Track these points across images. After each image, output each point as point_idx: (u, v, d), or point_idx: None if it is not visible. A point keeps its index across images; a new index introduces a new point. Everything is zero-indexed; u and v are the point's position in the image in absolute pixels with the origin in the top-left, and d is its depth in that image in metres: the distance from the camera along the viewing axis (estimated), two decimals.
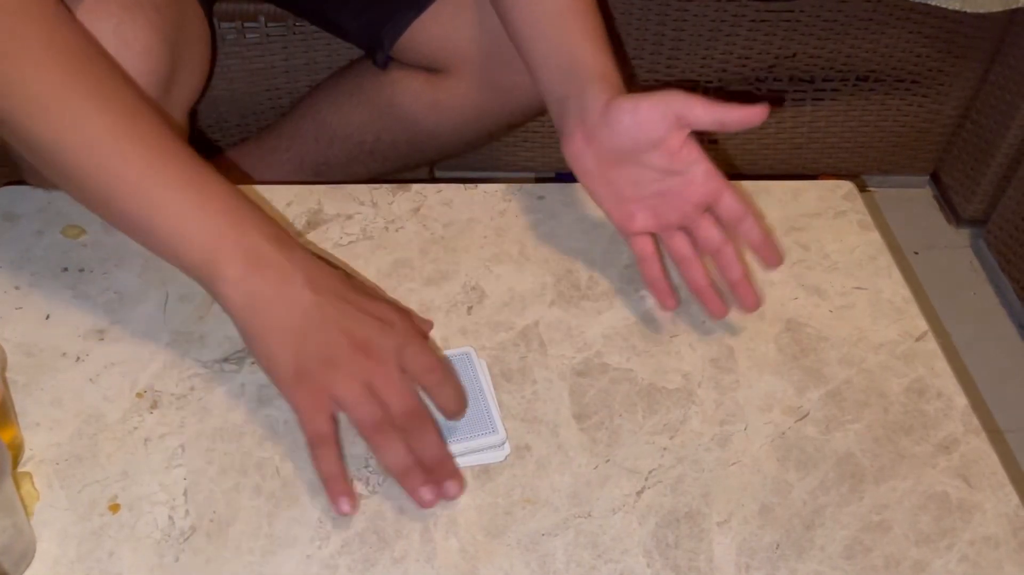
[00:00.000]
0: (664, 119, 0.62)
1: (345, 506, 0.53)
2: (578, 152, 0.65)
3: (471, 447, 0.57)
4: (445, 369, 0.57)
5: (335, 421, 0.55)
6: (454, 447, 0.56)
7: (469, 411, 0.58)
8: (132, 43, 0.65)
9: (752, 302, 0.65)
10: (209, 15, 0.81)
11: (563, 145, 0.66)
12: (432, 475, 0.54)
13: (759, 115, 0.61)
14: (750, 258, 0.72)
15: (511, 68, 0.80)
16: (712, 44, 1.22)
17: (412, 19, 0.85)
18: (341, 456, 0.55)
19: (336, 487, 0.53)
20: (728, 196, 0.64)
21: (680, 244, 0.66)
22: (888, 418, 0.62)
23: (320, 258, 0.59)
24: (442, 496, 0.54)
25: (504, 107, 0.88)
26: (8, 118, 0.55)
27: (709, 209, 0.65)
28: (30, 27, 0.55)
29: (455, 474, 0.55)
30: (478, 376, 0.60)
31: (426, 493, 0.54)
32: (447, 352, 0.62)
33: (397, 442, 0.54)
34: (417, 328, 0.58)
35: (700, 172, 0.64)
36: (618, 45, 1.20)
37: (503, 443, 0.58)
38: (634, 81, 1.26)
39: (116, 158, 0.56)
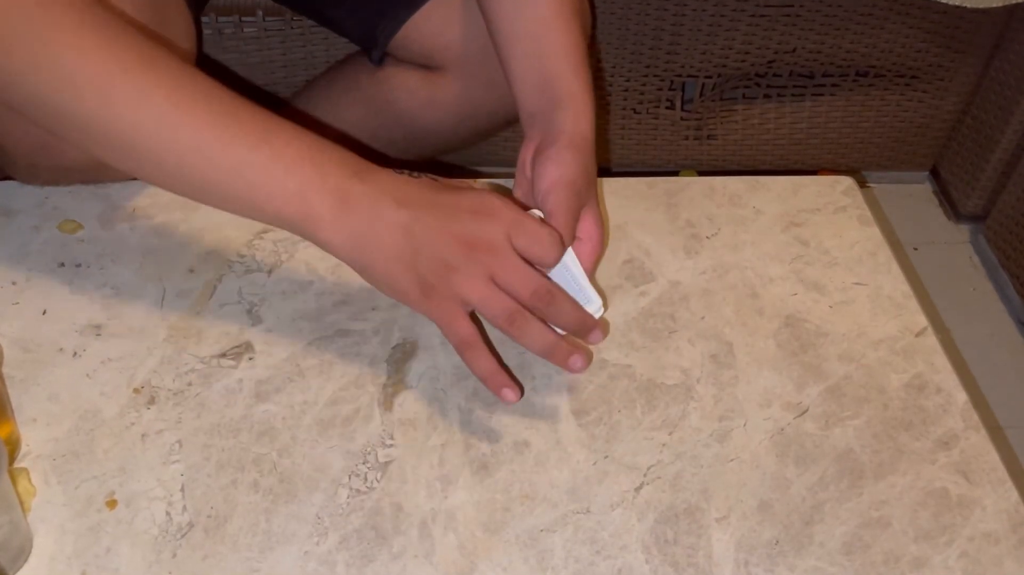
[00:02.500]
0: (539, 187, 0.62)
1: (509, 395, 0.56)
2: (527, 158, 0.66)
3: None
4: (560, 250, 0.58)
5: (475, 322, 0.57)
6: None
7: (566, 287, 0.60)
8: None
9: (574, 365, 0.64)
10: (197, 12, 0.80)
11: (522, 146, 0.67)
12: (577, 335, 0.58)
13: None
14: (751, 258, 0.72)
15: None
16: (711, 39, 1.22)
17: (407, 17, 0.85)
18: (491, 353, 0.57)
19: (496, 381, 0.56)
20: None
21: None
22: (887, 414, 0.61)
23: (402, 173, 0.59)
24: (592, 342, 0.59)
25: (500, 104, 0.88)
26: (47, 96, 0.54)
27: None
28: (62, 12, 0.54)
29: (596, 325, 0.59)
30: (568, 255, 0.61)
31: (576, 362, 0.57)
32: None
33: (534, 325, 0.56)
34: (518, 209, 0.58)
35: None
36: (619, 42, 1.20)
37: (599, 309, 0.60)
38: (631, 79, 1.25)
39: (185, 129, 0.55)
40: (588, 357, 0.59)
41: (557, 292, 0.57)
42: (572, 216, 0.61)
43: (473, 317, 0.58)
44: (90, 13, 0.55)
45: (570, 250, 0.61)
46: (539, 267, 0.59)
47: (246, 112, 0.57)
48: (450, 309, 0.57)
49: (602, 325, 0.60)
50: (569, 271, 0.60)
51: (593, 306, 0.60)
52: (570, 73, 0.67)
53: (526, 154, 0.66)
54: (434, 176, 0.61)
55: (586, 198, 0.63)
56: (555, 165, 0.62)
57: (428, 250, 0.56)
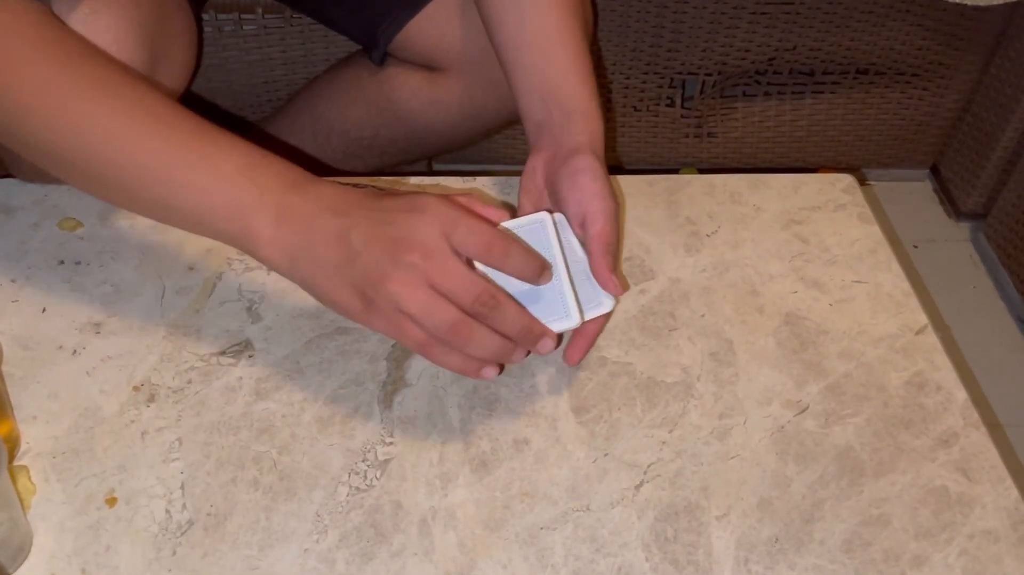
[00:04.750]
0: (579, 206, 0.61)
1: (490, 372, 0.55)
2: (535, 168, 0.65)
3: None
4: (503, 238, 0.55)
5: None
6: None
7: (544, 294, 0.57)
8: (102, 33, 0.64)
9: (570, 358, 0.62)
10: (197, 8, 0.80)
11: (530, 155, 0.66)
12: (525, 343, 0.55)
13: (615, 293, 0.60)
14: (751, 256, 0.72)
15: None
16: (712, 36, 1.22)
17: (407, 19, 0.85)
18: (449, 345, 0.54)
19: (471, 368, 0.55)
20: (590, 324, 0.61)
21: None
22: (888, 412, 0.61)
23: (345, 183, 0.58)
24: (540, 353, 0.56)
25: (502, 104, 0.87)
26: (7, 125, 0.56)
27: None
28: (16, 32, 0.55)
29: (544, 332, 0.56)
30: (551, 247, 0.58)
31: (519, 354, 0.55)
32: (518, 223, 0.60)
33: (477, 333, 0.53)
34: (456, 205, 0.55)
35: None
36: (620, 39, 1.20)
37: (578, 324, 0.58)
38: (632, 77, 1.25)
39: (128, 150, 0.56)
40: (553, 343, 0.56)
41: (501, 297, 0.54)
42: (615, 226, 0.60)
43: None
44: (47, 37, 0.56)
45: (568, 237, 0.60)
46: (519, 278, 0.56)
47: (189, 129, 0.57)
48: (393, 320, 0.53)
49: (552, 335, 0.56)
50: (556, 271, 0.58)
51: (568, 322, 0.57)
52: (579, 85, 0.66)
53: (536, 162, 0.65)
54: (379, 187, 0.60)
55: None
56: (589, 176, 0.61)
57: (363, 260, 0.53)
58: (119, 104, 0.56)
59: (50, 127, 0.56)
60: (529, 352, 0.56)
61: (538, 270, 0.56)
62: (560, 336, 0.56)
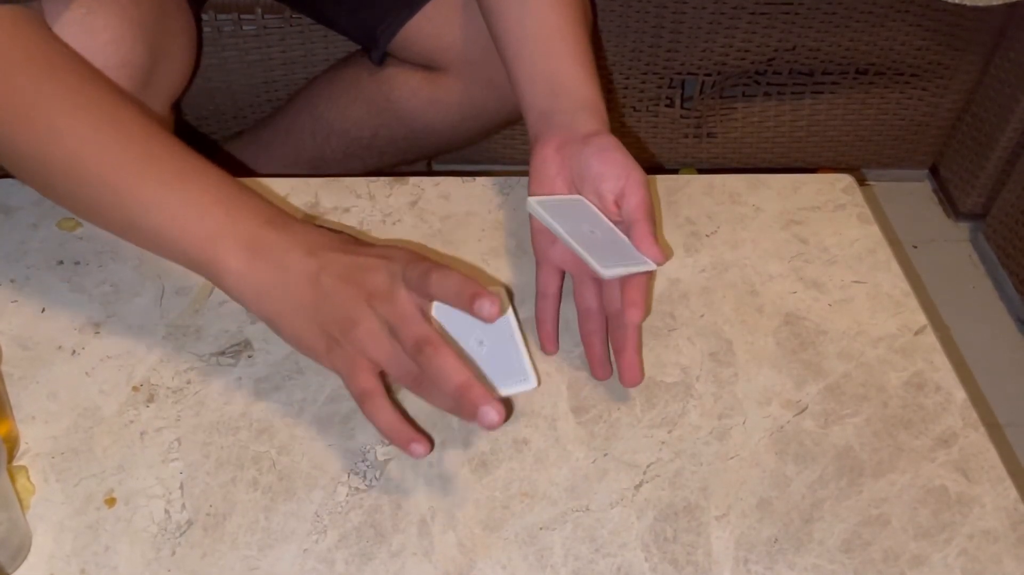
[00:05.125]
0: (618, 180, 0.62)
1: (419, 450, 0.51)
2: (546, 157, 0.64)
3: (502, 394, 0.55)
4: (469, 284, 0.51)
5: (378, 375, 0.54)
6: None
7: (499, 358, 0.56)
8: (100, 32, 0.64)
9: (630, 378, 0.60)
10: (197, 8, 0.80)
11: (534, 148, 0.65)
12: (457, 413, 0.53)
13: (658, 259, 0.60)
14: (751, 256, 0.72)
15: None
16: (711, 36, 1.22)
17: (406, 19, 0.85)
18: (393, 405, 0.53)
19: (400, 436, 0.51)
20: (637, 280, 0.60)
21: (588, 294, 0.63)
22: (887, 412, 0.61)
23: (320, 225, 0.58)
24: (481, 424, 0.49)
25: (502, 104, 0.87)
26: None
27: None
28: None
29: (484, 402, 0.49)
30: (508, 319, 0.58)
31: (489, 416, 0.49)
32: (555, 199, 0.63)
33: (432, 387, 0.53)
34: (419, 255, 0.55)
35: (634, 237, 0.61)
36: (619, 39, 1.20)
37: (535, 387, 0.56)
38: (631, 77, 1.25)
39: (103, 167, 0.56)
40: (501, 411, 0.49)
41: (440, 347, 0.50)
42: (651, 196, 0.62)
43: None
44: (23, 46, 0.56)
45: (511, 318, 0.58)
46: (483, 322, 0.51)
47: (170, 154, 0.57)
48: (354, 363, 0.53)
49: (497, 406, 0.49)
50: (512, 339, 0.57)
51: (525, 385, 0.55)
52: (587, 78, 0.67)
53: (547, 151, 0.64)
54: (350, 235, 0.59)
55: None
56: (620, 154, 0.62)
57: (331, 302, 0.54)
58: (93, 117, 0.56)
59: (21, 137, 0.55)
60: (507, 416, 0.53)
61: (478, 297, 0.50)
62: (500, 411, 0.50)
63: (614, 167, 0.62)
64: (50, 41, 0.58)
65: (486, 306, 0.49)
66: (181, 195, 0.56)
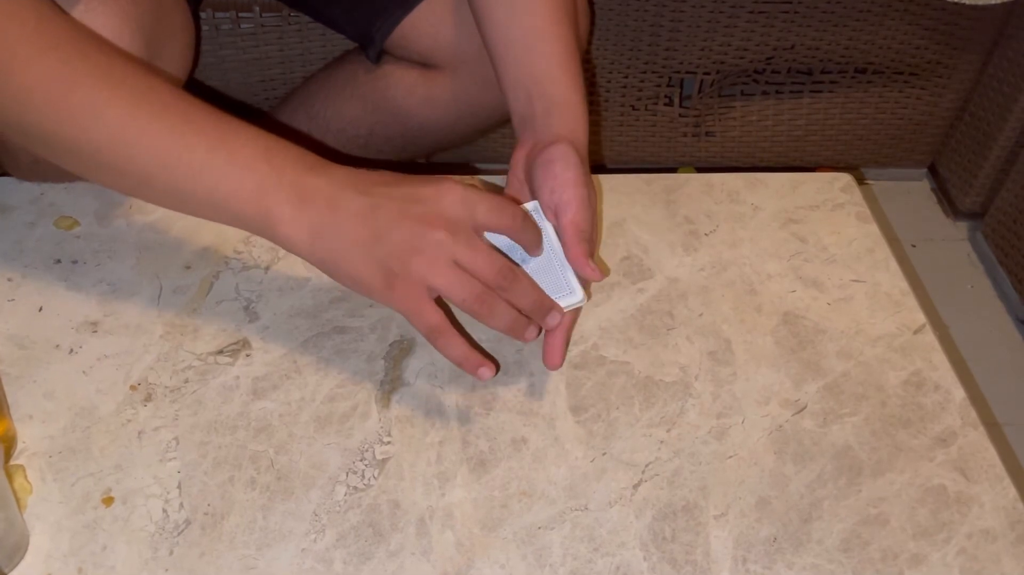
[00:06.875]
0: (553, 193, 0.61)
1: (486, 373, 0.57)
2: (518, 159, 0.66)
3: None
4: (519, 212, 0.58)
5: (441, 307, 0.57)
6: None
7: (544, 275, 0.60)
8: (98, 30, 0.64)
9: (550, 360, 0.61)
10: (194, 6, 0.80)
11: (515, 149, 0.67)
12: (537, 316, 0.58)
13: (593, 277, 0.61)
14: (749, 255, 0.72)
15: None
16: (710, 35, 1.21)
17: (402, 17, 0.85)
18: (460, 336, 0.57)
19: (471, 363, 0.57)
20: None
21: None
22: (886, 411, 0.61)
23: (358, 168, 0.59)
24: (547, 327, 0.59)
25: (497, 102, 0.87)
26: (18, 123, 0.55)
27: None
28: (16, 26, 0.54)
29: (553, 306, 0.59)
30: (548, 233, 0.61)
31: (532, 333, 0.58)
32: None
33: (498, 305, 0.56)
34: (477, 188, 0.58)
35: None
36: (617, 38, 1.20)
37: (581, 300, 0.60)
38: (630, 75, 1.25)
39: (144, 140, 0.56)
40: (538, 330, 0.59)
41: (519, 273, 0.57)
42: (588, 213, 0.61)
43: (439, 301, 0.58)
44: (48, 29, 0.56)
45: (556, 240, 0.61)
46: (527, 252, 0.60)
47: (202, 117, 0.57)
48: (416, 296, 0.56)
49: (559, 309, 0.59)
50: (555, 254, 0.60)
51: (572, 298, 0.59)
52: (563, 76, 0.67)
53: (519, 156, 0.66)
54: (391, 172, 0.61)
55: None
56: (562, 166, 0.61)
57: (389, 235, 0.55)
58: (128, 92, 0.56)
59: (57, 116, 0.55)
60: (541, 330, 0.59)
61: (539, 241, 0.60)
62: (562, 313, 0.59)
63: (550, 181, 0.61)
64: (74, 25, 0.58)
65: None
66: (224, 156, 0.56)
